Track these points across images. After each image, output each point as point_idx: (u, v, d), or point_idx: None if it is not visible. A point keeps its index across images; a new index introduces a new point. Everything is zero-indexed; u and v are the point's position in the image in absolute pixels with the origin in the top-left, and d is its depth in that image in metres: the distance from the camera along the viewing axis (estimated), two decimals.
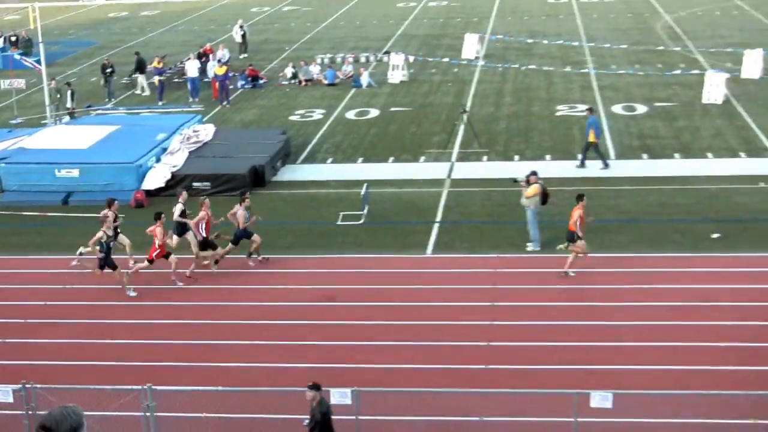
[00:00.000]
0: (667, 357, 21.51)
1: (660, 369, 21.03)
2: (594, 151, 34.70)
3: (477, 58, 54.70)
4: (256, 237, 27.30)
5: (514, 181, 28.78)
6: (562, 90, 46.94)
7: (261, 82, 50.53)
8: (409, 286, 25.91)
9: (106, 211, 27.02)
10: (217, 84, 47.24)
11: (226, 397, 19.00)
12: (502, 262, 27.00)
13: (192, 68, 48.33)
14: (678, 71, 49.44)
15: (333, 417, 16.90)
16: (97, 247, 25.75)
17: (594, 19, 67.09)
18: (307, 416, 16.94)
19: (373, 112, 44.06)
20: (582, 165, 34.72)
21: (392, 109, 44.47)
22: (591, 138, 34.53)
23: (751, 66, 47.69)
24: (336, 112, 44.32)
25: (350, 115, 43.87)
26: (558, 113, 42.45)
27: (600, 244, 27.61)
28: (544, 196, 27.77)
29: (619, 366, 21.23)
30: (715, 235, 28.26)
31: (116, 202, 28.00)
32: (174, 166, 34.55)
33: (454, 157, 36.92)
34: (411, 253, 28.05)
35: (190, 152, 35.95)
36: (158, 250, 26.30)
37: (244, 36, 59.21)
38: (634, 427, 18.60)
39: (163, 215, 26.75)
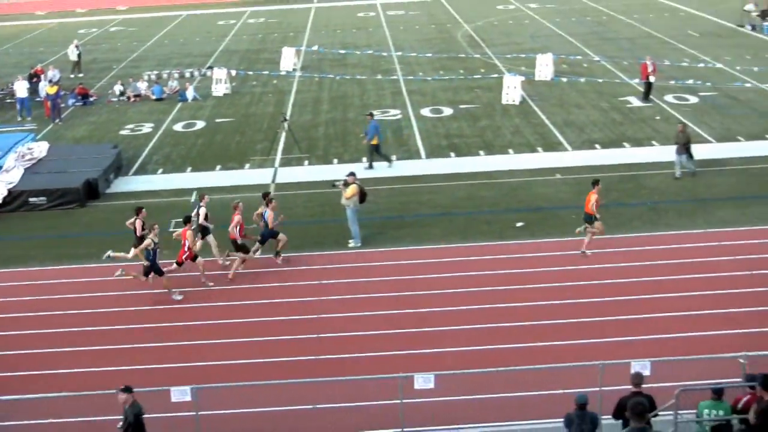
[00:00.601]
0: (482, 338, 21.84)
1: (476, 349, 21.34)
2: (376, 152, 35.08)
3: (295, 69, 54.56)
4: (282, 236, 26.59)
5: (333, 185, 28.80)
6: (375, 96, 47.22)
7: (91, 99, 49.16)
8: (235, 286, 25.62)
9: (136, 220, 26.22)
10: (48, 103, 45.74)
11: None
12: (327, 258, 26.93)
13: (21, 89, 46.68)
14: (479, 76, 50.33)
15: (174, 415, 16.50)
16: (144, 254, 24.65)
17: (401, 31, 67.77)
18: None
19: (200, 124, 43.42)
20: (370, 167, 34.99)
21: (217, 120, 43.92)
22: (374, 141, 34.90)
23: (543, 69, 48.97)
24: (164, 126, 43.50)
25: (178, 127, 43.13)
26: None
27: (416, 236, 27.88)
28: (362, 196, 27.87)
29: (439, 349, 21.45)
30: (518, 224, 28.88)
31: (144, 209, 26.94)
32: (10, 183, 33.36)
33: (277, 162, 36.71)
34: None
35: (26, 169, 34.77)
36: (187, 253, 25.39)
37: (79, 56, 57.54)
38: (454, 405, 18.84)
39: (192, 219, 26.38)
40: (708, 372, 18.28)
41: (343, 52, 59.90)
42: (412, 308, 23.62)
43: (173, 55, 62.19)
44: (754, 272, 24.53)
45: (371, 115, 36.66)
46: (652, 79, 43.17)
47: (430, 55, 57.25)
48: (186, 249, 25.41)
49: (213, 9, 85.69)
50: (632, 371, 16.50)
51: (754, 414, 15.06)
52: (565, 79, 48.52)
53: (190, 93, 48.40)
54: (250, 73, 54.29)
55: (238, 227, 26.05)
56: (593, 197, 26.19)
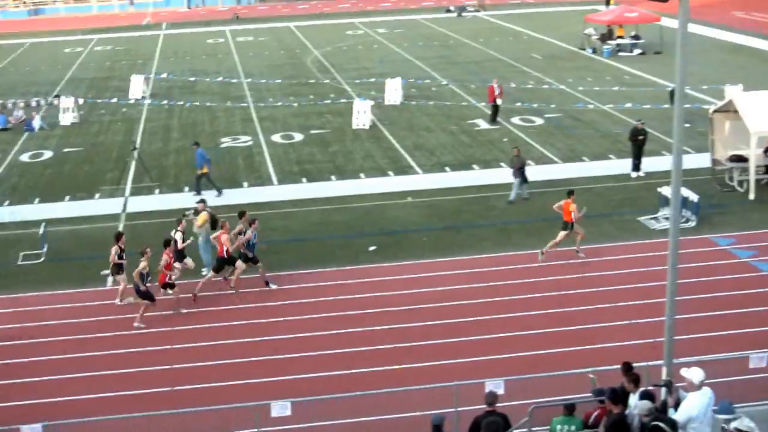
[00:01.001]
0: (338, 363, 21.77)
1: (333, 374, 21.25)
2: (206, 180, 34.82)
3: (144, 97, 53.72)
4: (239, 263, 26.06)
5: (184, 215, 28.37)
6: (225, 123, 46.85)
7: None
8: (93, 318, 24.97)
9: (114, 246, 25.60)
10: None
11: None
12: (181, 288, 26.48)
13: None
14: (329, 101, 50.49)
15: None
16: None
17: (250, 57, 67.53)
18: None
19: (47, 154, 42.29)
20: (219, 194, 34.65)
21: (65, 150, 42.86)
22: (203, 170, 34.62)
23: (392, 93, 49.41)
24: (10, 156, 42.20)
25: (24, 157, 41.91)
26: (223, 145, 42.29)
27: (270, 263, 27.66)
28: (214, 223, 27.57)
29: (293, 376, 21.30)
30: (371, 248, 28.97)
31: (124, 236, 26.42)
32: None
33: (127, 191, 36.02)
34: (93, 286, 27.08)
35: None
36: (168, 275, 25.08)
37: None
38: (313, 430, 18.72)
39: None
40: (560, 388, 18.56)
41: (192, 79, 59.32)
42: (266, 335, 23.40)
43: (18, 83, 60.50)
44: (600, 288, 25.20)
45: (197, 144, 36.10)
46: (499, 101, 44.03)
47: (279, 81, 57.22)
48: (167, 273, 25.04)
49: (59, 36, 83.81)
50: (486, 390, 16.67)
51: (604, 427, 15.36)
52: (414, 103, 49.07)
53: (36, 122, 47.10)
54: (99, 101, 53.25)
55: (225, 245, 25.88)
56: (571, 206, 27.27)
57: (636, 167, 35.20)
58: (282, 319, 24.27)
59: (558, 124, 43.72)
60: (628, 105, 46.49)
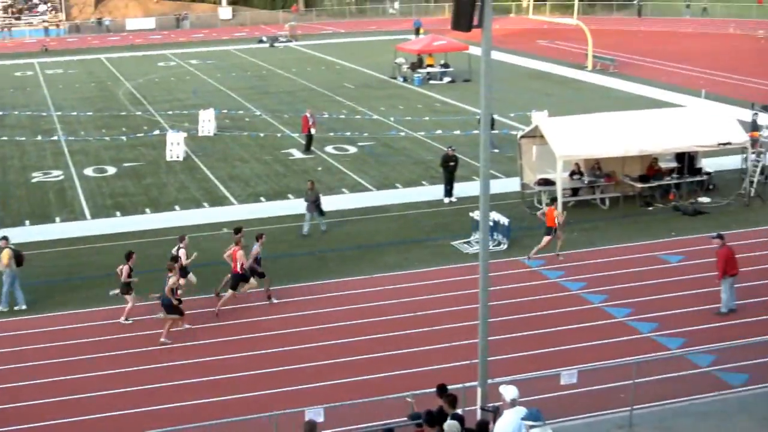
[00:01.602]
0: (155, 398, 21.31)
1: (141, 411, 20.80)
2: None
3: None
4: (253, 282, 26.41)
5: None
6: (36, 157, 45.37)
7: None
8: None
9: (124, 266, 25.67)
10: None
11: None
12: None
13: None
14: (141, 134, 49.62)
15: None
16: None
17: (60, 90, 65.75)
18: None
19: None
20: None
21: None
22: None
23: (206, 124, 48.95)
24: None
25: None
26: (34, 180, 40.95)
27: (83, 300, 26.86)
28: (18, 259, 26.67)
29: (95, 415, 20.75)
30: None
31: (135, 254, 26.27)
32: None
33: None
34: None
35: None
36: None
37: None
38: None
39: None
40: (381, 413, 18.64)
41: (0, 113, 57.27)
42: (84, 372, 22.72)
43: None
44: (418, 313, 25.48)
45: None
46: (312, 131, 44.17)
47: (91, 113, 55.91)
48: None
49: None
50: (306, 419, 16.57)
51: None
52: (228, 134, 48.77)
53: None
54: None
55: (240, 261, 25.96)
56: (555, 212, 29.10)
57: (448, 193, 35.85)
58: (104, 354, 23.57)
59: (371, 152, 44.18)
60: (439, 132, 47.43)
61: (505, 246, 30.41)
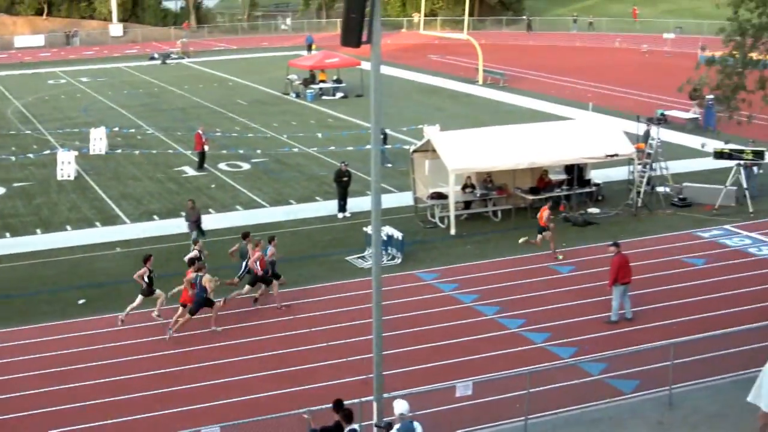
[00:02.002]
0: (51, 421, 20.80)
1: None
2: None
3: None
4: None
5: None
6: None
7: None
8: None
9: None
10: None
11: None
12: None
13: None
14: (32, 153, 48.58)
15: None
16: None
17: None
18: None
19: None
20: None
21: None
22: None
23: (97, 143, 48.17)
24: None
25: None
26: None
27: None
28: None
29: None
30: (81, 301, 27.96)
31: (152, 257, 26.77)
32: None
33: None
34: None
35: None
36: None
37: None
38: None
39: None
40: (277, 431, 18.51)
41: None
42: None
43: None
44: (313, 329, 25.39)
45: None
46: (206, 148, 43.80)
47: None
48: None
49: None
50: None
51: None
52: (120, 152, 48.07)
53: None
54: None
55: (258, 262, 26.76)
56: (545, 213, 30.66)
57: (342, 208, 35.85)
58: None
59: (265, 168, 43.98)
60: (332, 148, 47.44)
61: (399, 260, 30.51)
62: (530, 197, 35.28)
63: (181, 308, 25.36)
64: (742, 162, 35.75)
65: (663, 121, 40.36)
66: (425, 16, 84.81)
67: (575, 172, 35.68)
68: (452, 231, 33.33)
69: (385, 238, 30.54)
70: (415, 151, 35.89)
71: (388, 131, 45.14)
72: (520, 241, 31.47)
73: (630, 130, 37.95)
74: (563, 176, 36.40)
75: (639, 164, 36.25)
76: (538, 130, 36.75)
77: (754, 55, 22.06)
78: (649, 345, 22.80)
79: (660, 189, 36.64)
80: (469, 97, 63.86)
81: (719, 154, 36.73)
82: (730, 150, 36.59)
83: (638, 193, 35.59)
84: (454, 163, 33.27)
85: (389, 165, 42.40)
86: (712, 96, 22.49)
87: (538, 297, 27.31)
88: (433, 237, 33.15)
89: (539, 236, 30.98)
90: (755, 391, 18.29)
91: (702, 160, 41.03)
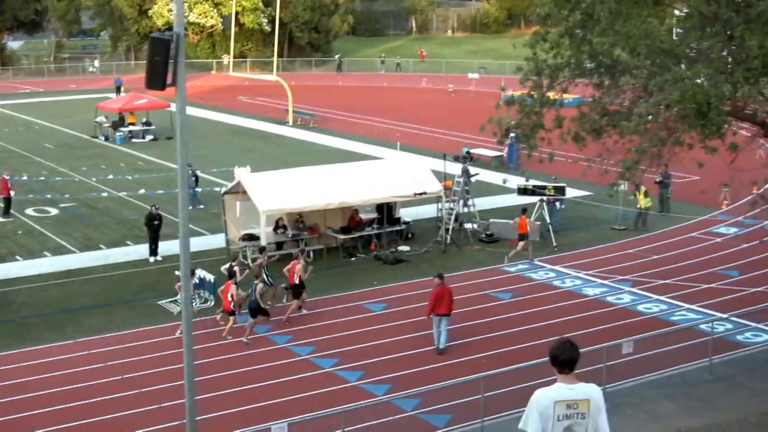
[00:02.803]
0: None
1: None
2: None
3: None
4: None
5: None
6: None
7: None
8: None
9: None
10: None
11: None
12: None
13: None
14: None
15: None
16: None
17: None
18: None
19: None
20: None
21: None
22: None
23: None
24: None
25: None
26: None
27: None
28: None
29: None
30: None
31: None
32: None
33: None
34: None
35: None
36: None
37: None
38: None
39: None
40: None
41: None
42: None
43: None
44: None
45: None
46: (11, 193, 42.30)
47: None
48: (229, 299, 27.28)
49: None
50: None
51: None
52: None
53: None
54: None
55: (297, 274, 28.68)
56: (523, 222, 33.95)
57: (153, 252, 35.20)
58: None
59: (73, 213, 42.79)
60: (143, 191, 46.56)
61: (212, 303, 30.11)
62: (341, 237, 35.50)
63: (222, 315, 27.92)
64: (544, 197, 37.01)
65: (469, 159, 41.48)
66: (235, 57, 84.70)
67: (385, 211, 36.12)
68: None
69: (197, 281, 30.16)
70: (226, 192, 35.66)
71: (199, 173, 44.70)
72: (510, 254, 34.28)
73: (437, 168, 38.68)
74: (374, 215, 36.80)
75: (447, 201, 37.01)
76: (348, 170, 37.09)
77: (551, 95, 22.82)
78: (460, 379, 23.17)
79: (468, 225, 37.49)
80: (280, 138, 63.96)
81: (522, 190, 37.98)
82: (533, 186, 37.86)
83: (447, 230, 36.31)
84: (265, 205, 33.19)
85: (201, 207, 41.97)
86: (514, 134, 23.16)
87: (351, 335, 27.44)
88: (246, 279, 32.88)
89: (521, 243, 33.94)
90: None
91: (507, 197, 42.19)
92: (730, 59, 21.60)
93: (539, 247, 35.78)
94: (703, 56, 22.04)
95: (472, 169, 38.71)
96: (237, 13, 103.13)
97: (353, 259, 35.20)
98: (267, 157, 53.74)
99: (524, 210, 35.10)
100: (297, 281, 28.72)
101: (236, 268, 29.03)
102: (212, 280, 30.26)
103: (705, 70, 20.93)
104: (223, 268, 29.60)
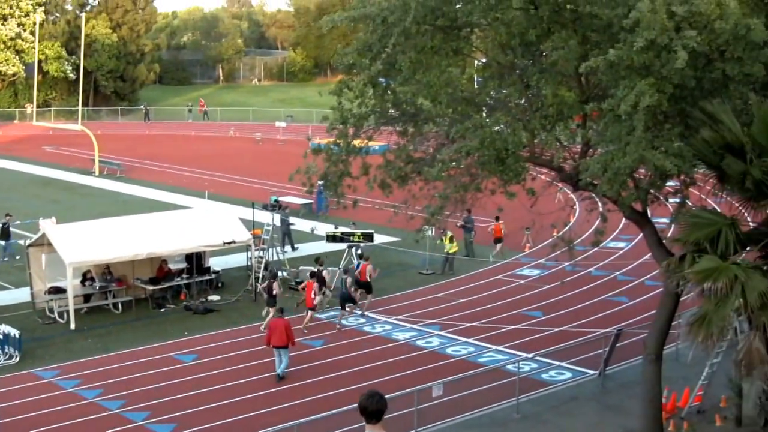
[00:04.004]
0: None
1: None
2: None
3: None
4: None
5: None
6: None
7: None
8: None
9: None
10: None
11: None
12: None
13: None
14: None
15: None
16: None
17: None
18: None
19: None
20: None
21: None
22: None
23: None
24: None
25: None
26: None
27: None
28: None
29: None
30: None
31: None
32: None
33: None
34: None
35: None
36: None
37: None
38: None
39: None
40: None
41: None
42: None
43: None
44: None
45: None
46: None
47: None
48: (312, 296, 32.11)
49: None
50: None
51: None
52: None
53: None
54: None
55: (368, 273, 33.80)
56: (498, 226, 40.63)
57: None
58: None
59: None
60: None
61: (17, 359, 28.91)
62: (150, 287, 34.78)
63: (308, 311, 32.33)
64: (353, 244, 37.29)
65: (278, 207, 41.43)
66: (38, 106, 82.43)
67: (195, 260, 35.62)
68: (72, 326, 32.13)
69: (0, 336, 28.95)
70: (30, 245, 34.45)
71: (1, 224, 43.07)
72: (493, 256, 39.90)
73: (246, 217, 38.44)
74: (183, 265, 36.22)
75: (256, 250, 36.81)
76: (156, 220, 36.50)
77: (357, 143, 23.03)
78: (271, 429, 22.91)
79: (278, 273, 37.35)
80: (86, 188, 62.33)
81: (331, 238, 38.13)
82: (342, 233, 38.08)
83: (257, 278, 36.05)
84: (72, 257, 32.20)
85: (5, 260, 40.48)
86: (321, 182, 23.27)
87: (162, 388, 26.82)
88: (53, 333, 31.81)
89: (499, 245, 40.19)
90: None
91: (317, 244, 42.29)
92: (527, 107, 22.31)
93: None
94: (501, 104, 22.68)
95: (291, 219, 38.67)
96: (40, 61, 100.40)
97: (163, 310, 34.49)
98: (73, 208, 52.23)
99: (497, 218, 39.57)
100: (368, 278, 33.75)
101: (325, 272, 34.40)
102: (17, 335, 29.07)
103: (504, 117, 21.51)
104: (261, 287, 33.53)
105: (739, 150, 18.07)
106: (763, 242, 18.59)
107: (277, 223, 40.56)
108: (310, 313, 32.15)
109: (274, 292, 31.90)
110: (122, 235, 34.08)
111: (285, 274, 37.67)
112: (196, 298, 35.03)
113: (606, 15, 18.82)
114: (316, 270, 33.79)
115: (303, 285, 33.08)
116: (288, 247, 41.87)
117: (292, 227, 42.80)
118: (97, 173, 68.00)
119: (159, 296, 35.06)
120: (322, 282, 33.67)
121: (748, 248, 19.07)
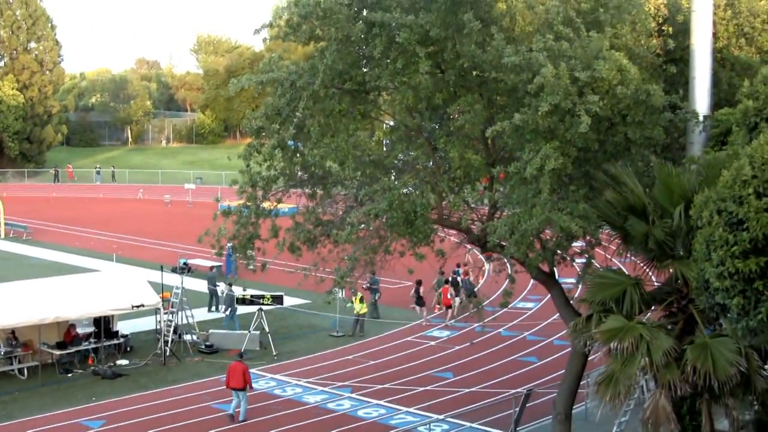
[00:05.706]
0: None
1: None
2: None
3: None
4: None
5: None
6: None
7: None
8: None
9: None
10: None
11: None
12: None
13: None
14: None
15: None
16: None
17: None
18: None
19: None
20: None
21: None
22: None
23: None
24: None
25: None
26: None
27: None
28: None
29: None
30: None
31: None
32: None
33: None
34: None
35: None
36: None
37: None
38: None
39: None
40: None
41: None
42: None
43: None
44: None
45: None
46: None
47: None
48: (449, 298, 39.53)
49: None
50: None
51: None
52: None
53: None
54: None
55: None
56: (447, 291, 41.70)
57: None
58: None
59: None
60: None
61: None
62: (57, 352, 33.88)
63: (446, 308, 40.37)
64: (263, 307, 36.90)
65: (187, 269, 40.89)
66: None
67: (103, 324, 34.87)
68: None
69: None
70: None
71: None
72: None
73: (155, 280, 37.80)
74: (91, 329, 35.41)
75: (165, 313, 36.18)
76: (63, 284, 35.70)
77: (267, 205, 22.86)
78: None
79: (187, 337, 36.75)
80: None
81: (241, 300, 37.69)
82: (251, 296, 37.67)
83: (166, 342, 35.38)
84: None
85: None
86: (230, 244, 23.01)
87: None
88: None
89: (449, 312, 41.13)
90: None
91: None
92: (435, 169, 22.43)
93: (259, 356, 35.50)
94: (409, 167, 22.79)
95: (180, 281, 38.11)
96: None
97: (70, 375, 33.57)
98: None
99: (447, 281, 40.82)
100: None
101: (459, 279, 41.54)
102: None
103: (412, 179, 21.62)
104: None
105: (642, 211, 18.39)
106: (667, 301, 18.87)
107: (187, 285, 40.00)
108: (449, 311, 40.46)
109: None
110: (29, 299, 33.22)
111: (195, 337, 37.06)
112: (105, 362, 34.23)
113: (511, 80, 19.10)
114: (449, 278, 40.87)
115: (439, 291, 40.70)
116: (215, 308, 42.01)
117: (218, 288, 42.44)
118: (2, 236, 66.44)
119: (66, 361, 34.14)
120: (455, 286, 40.88)
121: (652, 307, 19.35)
